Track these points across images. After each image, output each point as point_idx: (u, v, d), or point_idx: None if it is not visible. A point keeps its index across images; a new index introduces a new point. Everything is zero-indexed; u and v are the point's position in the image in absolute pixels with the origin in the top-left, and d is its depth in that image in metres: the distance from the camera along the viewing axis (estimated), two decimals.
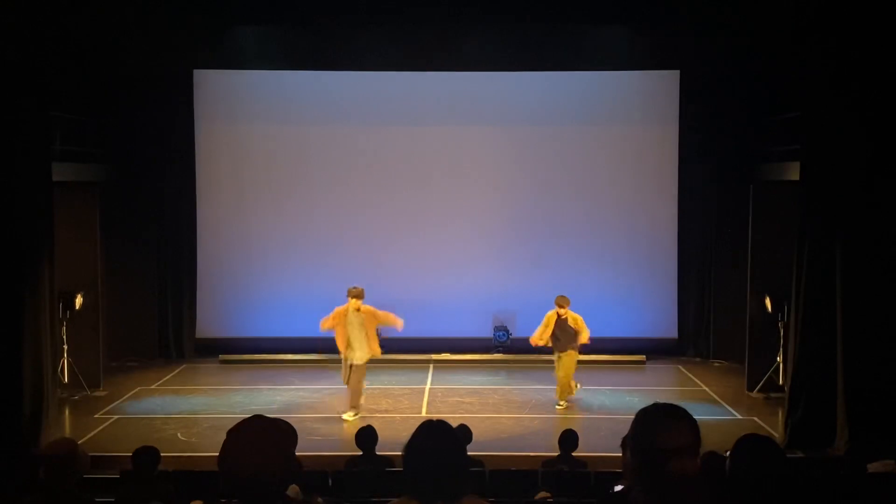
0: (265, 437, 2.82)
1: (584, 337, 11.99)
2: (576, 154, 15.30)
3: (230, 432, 2.83)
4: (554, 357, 12.16)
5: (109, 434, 10.93)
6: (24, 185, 10.07)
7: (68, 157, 12.64)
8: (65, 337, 12.46)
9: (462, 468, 2.99)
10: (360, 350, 11.48)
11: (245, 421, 2.86)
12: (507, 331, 14.93)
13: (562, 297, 12.00)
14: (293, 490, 5.00)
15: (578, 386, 12.30)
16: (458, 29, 14.64)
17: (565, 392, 12.08)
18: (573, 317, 11.95)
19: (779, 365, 12.59)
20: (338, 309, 11.57)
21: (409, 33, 14.69)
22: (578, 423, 9.86)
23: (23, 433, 9.82)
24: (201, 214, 15.27)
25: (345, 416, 11.48)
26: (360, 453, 8.21)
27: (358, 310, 11.46)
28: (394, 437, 9.32)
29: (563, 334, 11.95)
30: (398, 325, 11.74)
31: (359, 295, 11.50)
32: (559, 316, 11.91)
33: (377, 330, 11.69)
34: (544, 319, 12.03)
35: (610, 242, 15.29)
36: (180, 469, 8.10)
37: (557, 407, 11.99)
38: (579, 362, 14.68)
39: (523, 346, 14.70)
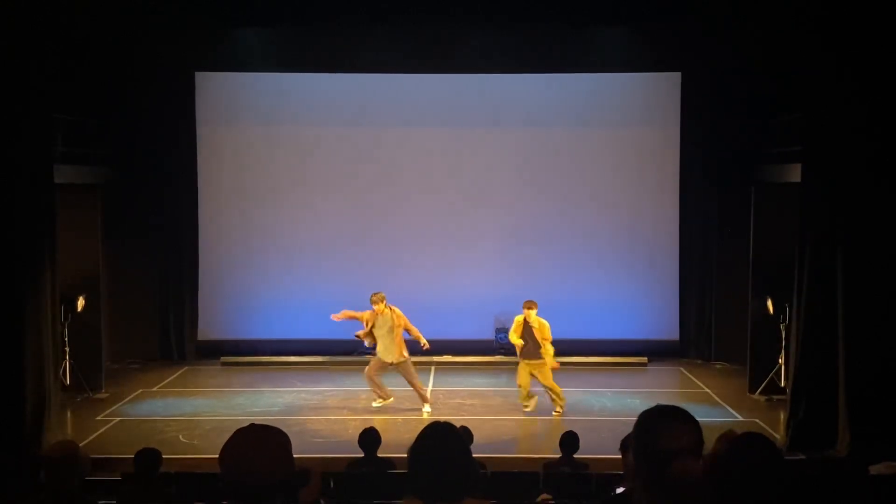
0: (264, 441, 2.83)
1: (547, 351, 11.59)
2: (577, 156, 15.30)
3: (229, 440, 2.84)
4: (520, 363, 11.77)
5: (111, 436, 10.94)
6: (26, 186, 10.07)
7: (70, 159, 12.64)
8: (66, 339, 12.46)
9: (467, 470, 3.00)
10: (391, 351, 11.72)
11: (242, 429, 2.88)
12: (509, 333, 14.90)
13: (528, 300, 11.77)
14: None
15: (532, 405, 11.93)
16: (459, 31, 14.65)
17: (559, 397, 11.80)
18: (539, 322, 11.67)
19: (780, 367, 12.59)
20: (364, 314, 11.85)
21: (410, 35, 14.70)
22: (580, 425, 9.83)
23: (24, 435, 9.81)
24: (203, 216, 15.28)
25: (427, 410, 11.88)
26: (362, 455, 8.21)
27: (385, 310, 11.72)
28: (395, 440, 9.33)
29: (530, 340, 11.66)
30: (422, 342, 11.98)
31: (382, 300, 11.77)
32: (526, 320, 11.67)
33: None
34: (514, 322, 11.82)
35: (611, 244, 15.28)
36: (182, 471, 8.10)
37: (555, 413, 11.75)
38: (581, 364, 14.79)
39: None
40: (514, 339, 11.73)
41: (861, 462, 8.00)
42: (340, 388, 13.03)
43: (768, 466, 2.73)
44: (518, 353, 11.79)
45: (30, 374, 9.95)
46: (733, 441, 3.04)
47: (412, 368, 11.89)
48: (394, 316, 11.74)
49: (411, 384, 11.90)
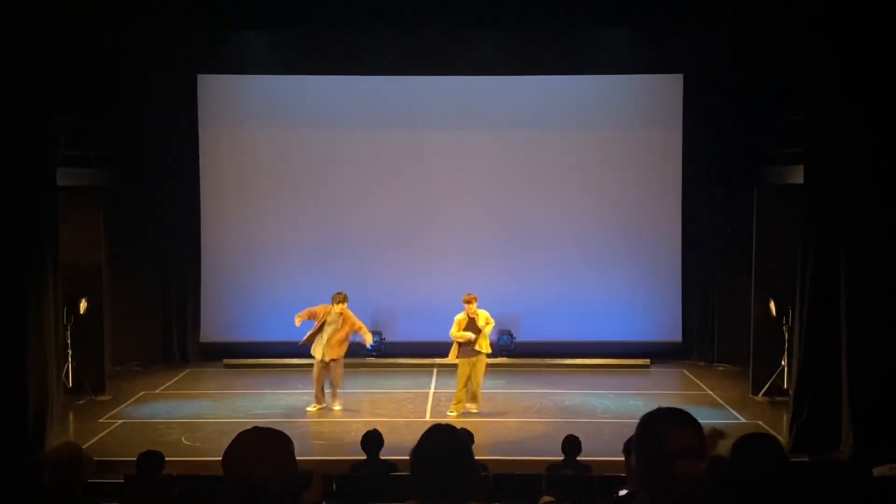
0: (267, 444, 2.84)
1: (487, 330, 11.54)
2: (579, 158, 15.29)
3: (232, 443, 2.84)
4: (456, 360, 11.66)
5: (114, 438, 10.94)
6: (29, 189, 10.07)
7: (73, 162, 12.66)
8: (69, 341, 12.47)
9: (469, 472, 2.99)
10: (336, 348, 11.93)
11: (245, 432, 2.89)
12: (511, 335, 14.90)
13: (468, 293, 11.66)
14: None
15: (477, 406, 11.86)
16: (461, 33, 14.65)
17: (478, 398, 11.74)
18: (484, 314, 11.59)
19: (783, 368, 12.57)
20: (316, 309, 12.07)
21: (413, 38, 14.69)
22: (582, 427, 9.83)
23: (27, 438, 9.82)
24: (205, 219, 15.29)
25: (337, 408, 12.05)
26: (364, 458, 8.21)
27: (340, 313, 11.92)
28: (398, 442, 9.31)
29: (473, 335, 11.55)
30: (367, 338, 12.28)
31: (344, 300, 11.97)
32: (468, 316, 11.55)
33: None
34: (455, 322, 11.62)
35: (614, 246, 15.27)
36: (184, 473, 8.10)
37: (459, 411, 11.61)
38: (584, 366, 14.80)
39: (527, 350, 14.73)
40: (463, 335, 11.54)
41: (864, 464, 7.99)
42: (342, 391, 12.98)
43: (776, 467, 2.73)
44: (459, 351, 11.62)
45: (32, 377, 9.96)
46: (741, 441, 3.04)
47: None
48: (342, 319, 11.90)
49: (334, 381, 12.06)
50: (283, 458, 2.84)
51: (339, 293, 12.01)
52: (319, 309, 12.01)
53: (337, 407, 12.07)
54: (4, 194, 9.88)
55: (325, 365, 11.96)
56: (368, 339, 12.41)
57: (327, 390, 12.15)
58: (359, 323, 12.12)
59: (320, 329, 11.94)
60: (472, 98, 15.23)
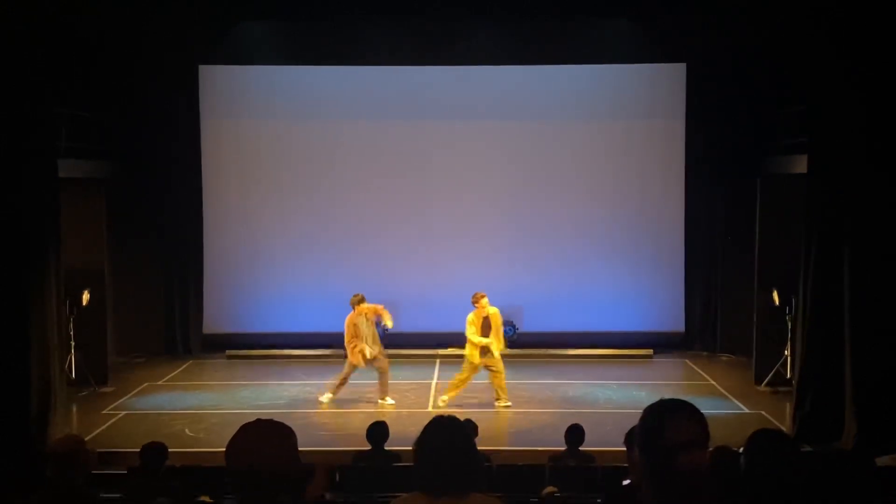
0: (270, 437, 2.84)
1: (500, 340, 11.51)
2: (581, 148, 15.27)
3: (235, 435, 2.84)
4: (477, 361, 11.50)
5: (117, 430, 10.96)
6: (31, 181, 10.06)
7: (74, 154, 12.65)
8: (72, 333, 12.48)
9: (472, 463, 2.99)
10: (377, 345, 11.91)
11: (248, 424, 2.89)
12: (514, 326, 14.88)
13: (481, 292, 11.52)
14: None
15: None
16: (463, 23, 14.63)
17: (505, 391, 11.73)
18: (495, 312, 11.54)
19: (786, 359, 12.57)
20: (349, 320, 11.82)
21: (415, 28, 14.68)
22: (585, 417, 9.81)
23: (30, 430, 9.82)
24: (207, 210, 15.29)
25: (390, 402, 11.90)
26: (367, 448, 8.21)
27: (361, 313, 11.83)
28: (401, 433, 9.32)
29: (490, 334, 11.50)
30: (387, 320, 11.95)
31: (361, 300, 11.86)
32: (486, 315, 11.47)
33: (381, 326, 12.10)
34: (470, 321, 11.46)
35: (616, 236, 15.26)
36: (187, 464, 8.11)
37: (505, 406, 11.67)
38: (587, 356, 14.81)
39: (530, 341, 14.72)
40: (481, 339, 11.39)
41: (867, 454, 7.98)
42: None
43: (788, 461, 2.72)
44: (479, 352, 11.50)
45: (35, 369, 9.96)
46: (752, 437, 3.03)
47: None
48: (369, 316, 11.84)
49: (381, 374, 11.98)
50: (286, 449, 2.84)
51: (353, 296, 11.90)
52: (348, 321, 11.81)
53: (390, 401, 11.88)
54: (5, 187, 9.86)
55: (370, 362, 11.84)
56: (389, 322, 11.98)
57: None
58: (376, 309, 11.91)
59: (359, 335, 11.79)
60: (474, 89, 15.19)
